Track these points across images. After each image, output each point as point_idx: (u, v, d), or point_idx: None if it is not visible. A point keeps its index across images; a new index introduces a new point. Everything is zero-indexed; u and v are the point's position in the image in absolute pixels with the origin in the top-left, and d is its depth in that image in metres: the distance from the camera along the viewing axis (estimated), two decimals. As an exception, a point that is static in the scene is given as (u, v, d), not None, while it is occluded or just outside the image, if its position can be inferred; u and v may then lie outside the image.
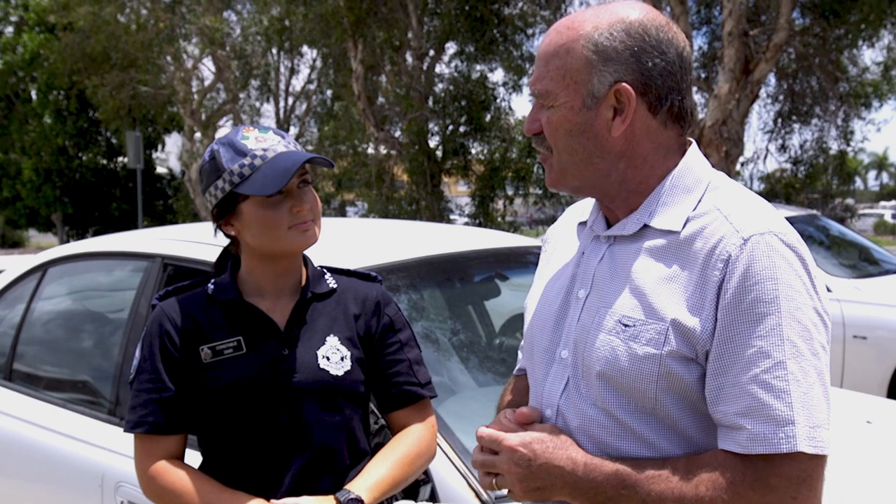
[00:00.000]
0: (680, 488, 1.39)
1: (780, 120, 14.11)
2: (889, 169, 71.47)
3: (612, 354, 1.48)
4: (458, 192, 19.88)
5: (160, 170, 29.26)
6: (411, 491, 2.20)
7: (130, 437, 2.99)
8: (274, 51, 20.73)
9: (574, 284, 1.63)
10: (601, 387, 1.50)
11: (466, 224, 15.24)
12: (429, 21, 15.09)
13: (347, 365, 2.04)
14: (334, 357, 2.04)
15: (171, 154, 28.72)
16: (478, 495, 2.31)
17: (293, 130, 22.23)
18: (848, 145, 14.51)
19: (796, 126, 14.46)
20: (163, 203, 27.44)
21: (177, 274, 3.21)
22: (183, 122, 21.28)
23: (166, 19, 17.86)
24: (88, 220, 27.38)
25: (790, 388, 1.36)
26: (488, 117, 15.02)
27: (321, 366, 2.01)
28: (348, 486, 1.96)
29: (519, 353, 1.96)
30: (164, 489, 1.98)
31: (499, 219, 15.50)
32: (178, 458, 2.04)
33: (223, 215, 2.03)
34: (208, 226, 2.17)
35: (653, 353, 1.44)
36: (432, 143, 15.04)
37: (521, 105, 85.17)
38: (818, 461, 1.37)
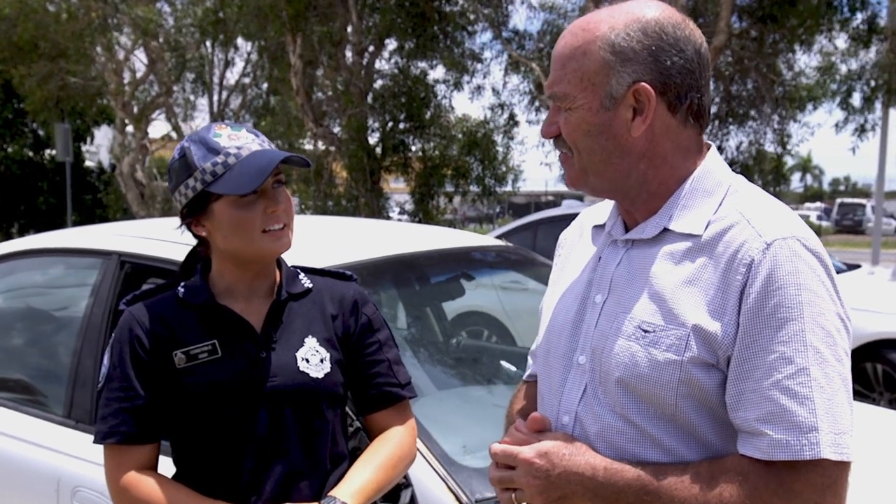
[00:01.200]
0: (703, 494, 1.38)
1: (717, 122, 14.36)
2: (813, 171, 73.34)
3: (631, 360, 1.47)
4: (393, 188, 19.78)
5: (89, 163, 28.58)
6: (392, 495, 2.16)
7: (87, 439, 2.95)
8: (208, 43, 20.36)
9: (591, 289, 1.61)
10: (620, 393, 1.49)
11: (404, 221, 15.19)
12: (369, 16, 14.99)
13: (327, 367, 1.99)
14: (314, 359, 1.98)
15: (101, 147, 28.08)
16: (457, 498, 2.29)
17: (228, 125, 21.83)
18: (784, 148, 14.82)
19: (732, 128, 14.72)
20: (92, 197, 26.79)
21: (135, 272, 3.12)
22: (114, 114, 20.80)
23: (98, 9, 17.41)
24: (14, 214, 26.62)
25: (813, 394, 1.35)
26: (428, 114, 14.96)
27: (301, 368, 1.96)
28: (333, 493, 1.91)
29: (529, 358, 1.93)
30: (138, 501, 1.91)
31: (438, 216, 15.46)
32: (152, 469, 1.97)
33: (193, 215, 1.95)
34: (167, 221, 2.10)
35: (673, 360, 1.43)
36: (372, 139, 14.94)
37: (461, 103, 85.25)
38: (842, 468, 1.37)
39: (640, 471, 1.43)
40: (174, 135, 21.52)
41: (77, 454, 2.91)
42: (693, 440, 1.46)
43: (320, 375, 1.97)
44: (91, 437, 2.85)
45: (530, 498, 1.51)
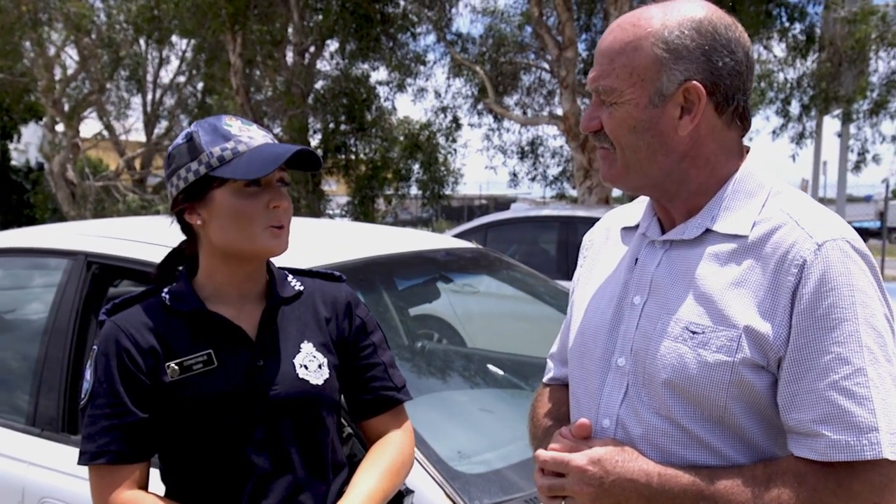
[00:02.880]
0: (760, 498, 1.37)
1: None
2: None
3: (679, 362, 1.44)
4: (329, 191, 19.67)
5: (15, 162, 27.82)
6: (395, 502, 2.10)
7: (53, 447, 2.83)
8: (142, 40, 19.99)
9: (628, 291, 1.58)
10: (666, 395, 1.46)
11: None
12: (310, 16, 14.88)
13: (326, 373, 1.92)
14: (312, 365, 1.91)
15: (30, 146, 27.38)
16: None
17: (162, 124, 21.52)
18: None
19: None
20: (18, 197, 26.09)
21: (103, 273, 3.00)
22: (43, 111, 20.30)
23: (28, 3, 16.97)
24: (-65, 214, 25.81)
25: (871, 394, 1.35)
26: (370, 116, 14.92)
27: (300, 375, 1.87)
28: (341, 503, 1.85)
29: (548, 361, 1.90)
30: None
31: (379, 219, 15.42)
32: (144, 489, 1.84)
33: (189, 201, 1.85)
34: (137, 221, 1.99)
35: (725, 361, 1.41)
36: (313, 141, 14.84)
37: (403, 105, 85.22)
38: None
39: (694, 475, 1.41)
40: (106, 133, 21.11)
41: (42, 463, 2.78)
42: (740, 442, 1.44)
43: (320, 382, 1.89)
44: (59, 446, 2.79)
45: None
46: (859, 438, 1.34)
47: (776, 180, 1.55)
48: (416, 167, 15.26)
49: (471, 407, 3.14)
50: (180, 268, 1.97)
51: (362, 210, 15.00)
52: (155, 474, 1.90)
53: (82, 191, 19.03)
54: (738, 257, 1.46)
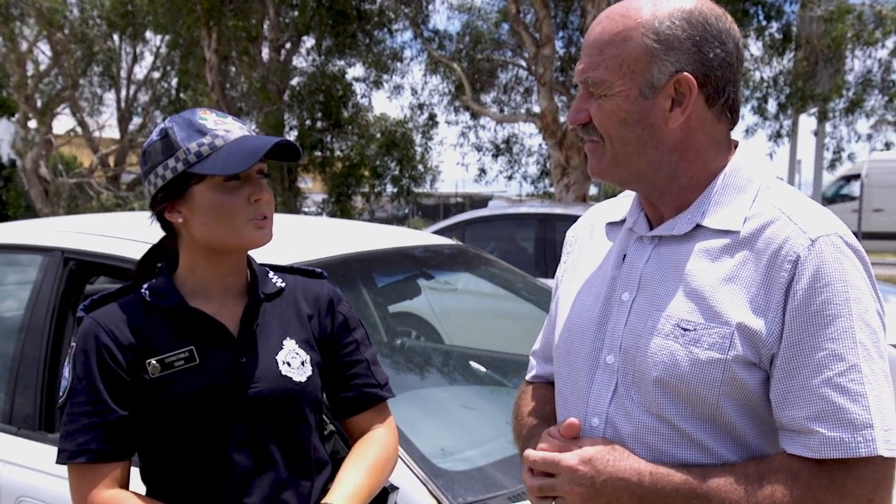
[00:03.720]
0: (753, 496, 1.35)
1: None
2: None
3: (670, 359, 1.43)
4: (305, 188, 19.59)
5: (-13, 158, 27.51)
6: (380, 499, 2.08)
7: (30, 445, 2.79)
8: (116, 36, 19.80)
9: (615, 287, 1.56)
10: (657, 393, 1.44)
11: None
12: (286, 12, 14.80)
13: (309, 370, 1.89)
14: (295, 362, 1.88)
15: (2, 142, 27.05)
16: (439, 502, 2.23)
17: (136, 120, 21.33)
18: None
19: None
20: (-11, 193, 25.80)
21: (80, 270, 2.97)
22: (16, 107, 20.06)
23: (1, -3, 16.80)
24: None
25: (866, 390, 1.34)
26: (346, 113, 14.86)
27: (283, 372, 1.85)
28: (327, 500, 1.82)
29: (531, 359, 1.88)
30: None
31: (356, 216, 15.37)
32: (124, 487, 1.82)
33: (168, 199, 1.82)
34: (115, 216, 1.96)
35: (717, 358, 1.39)
36: (289, 137, 14.75)
37: (380, 102, 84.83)
38: (892, 463, 1.36)
39: (686, 474, 1.39)
40: (79, 130, 20.90)
41: (19, 462, 2.74)
42: (731, 440, 1.43)
43: (303, 379, 1.87)
44: (36, 444, 2.75)
45: None
46: (854, 435, 1.33)
47: (765, 175, 1.54)
48: (392, 164, 15.20)
49: (452, 404, 3.13)
50: (159, 264, 1.95)
51: (339, 207, 14.94)
52: (135, 473, 1.88)
53: (56, 188, 18.85)
54: (730, 253, 1.44)
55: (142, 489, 1.87)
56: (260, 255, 1.95)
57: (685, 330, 1.43)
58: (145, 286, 1.88)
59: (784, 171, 17.96)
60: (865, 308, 1.38)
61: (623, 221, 1.64)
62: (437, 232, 8.83)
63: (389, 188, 15.87)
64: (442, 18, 67.39)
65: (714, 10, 1.48)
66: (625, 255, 1.58)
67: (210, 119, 1.83)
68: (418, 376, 3.42)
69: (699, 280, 1.45)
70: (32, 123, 19.54)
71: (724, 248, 1.45)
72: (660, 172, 1.51)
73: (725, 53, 1.47)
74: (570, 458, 1.44)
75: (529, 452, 1.51)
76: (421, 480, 2.25)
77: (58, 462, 1.79)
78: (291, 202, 14.25)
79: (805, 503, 1.34)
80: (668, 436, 1.45)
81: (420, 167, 15.67)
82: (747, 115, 14.39)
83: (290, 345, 1.90)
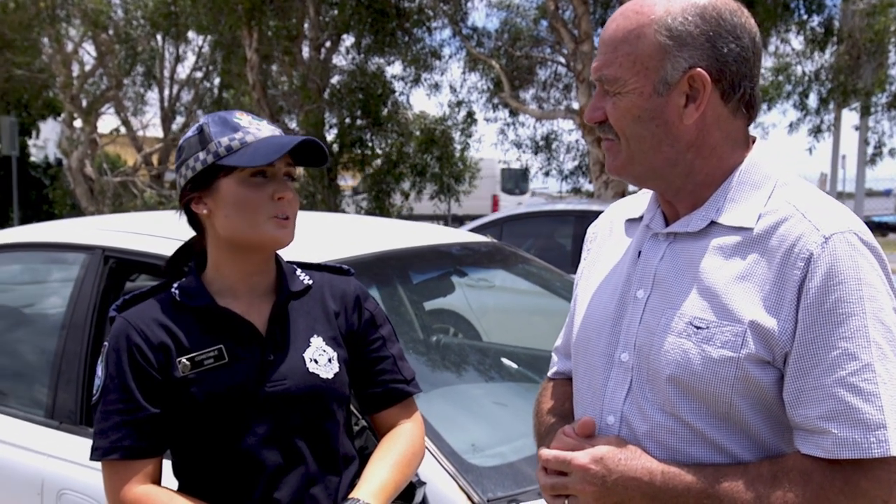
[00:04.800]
0: (766, 496, 1.35)
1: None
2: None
3: (683, 357, 1.42)
4: (344, 186, 19.67)
5: (35, 158, 27.94)
6: (407, 494, 2.11)
7: (71, 440, 2.85)
8: (159, 36, 20.04)
9: (631, 285, 1.56)
10: (671, 391, 1.44)
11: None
12: (326, 11, 14.88)
13: (336, 366, 1.93)
14: (322, 359, 1.92)
15: (48, 141, 27.48)
16: (469, 498, 2.25)
17: (180, 119, 21.57)
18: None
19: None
20: (37, 193, 26.19)
21: (120, 268, 3.03)
22: (62, 107, 20.37)
23: (47, -1, 17.07)
24: (-44, 209, 25.92)
25: (879, 390, 1.33)
26: (385, 111, 14.90)
27: (310, 370, 1.89)
28: (354, 494, 1.85)
29: (553, 355, 1.89)
30: None
31: (394, 214, 15.40)
32: (157, 483, 1.87)
33: (196, 190, 1.87)
34: (154, 215, 2.00)
35: (730, 356, 1.39)
36: (329, 135, 14.84)
37: (419, 100, 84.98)
38: None
39: (698, 474, 1.39)
40: (123, 129, 21.18)
41: (61, 455, 2.80)
42: (746, 439, 1.43)
43: (330, 376, 1.90)
44: (78, 439, 2.81)
45: None
46: (867, 436, 1.32)
47: (783, 171, 1.52)
48: (432, 162, 15.20)
49: (485, 400, 3.15)
50: (189, 264, 1.99)
51: (377, 205, 14.98)
52: (168, 468, 1.92)
53: (100, 186, 19.11)
54: (744, 250, 1.44)
55: (174, 484, 1.91)
56: (295, 252, 1.98)
57: (698, 328, 1.42)
58: (175, 286, 1.93)
59: (827, 167, 17.71)
60: (881, 306, 1.36)
61: (641, 218, 1.64)
62: (474, 229, 8.84)
63: (430, 186, 15.88)
64: (480, 15, 67.34)
65: (728, 5, 1.47)
66: (640, 252, 1.58)
67: (245, 119, 1.89)
68: (452, 373, 3.44)
69: (712, 278, 1.44)
70: (78, 123, 19.82)
71: (738, 245, 1.45)
72: (675, 169, 1.50)
73: (740, 48, 1.46)
74: (582, 456, 1.45)
75: (543, 451, 1.52)
76: (451, 475, 2.27)
77: (91, 458, 1.84)
78: (331, 200, 14.32)
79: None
80: (683, 434, 1.44)
81: (459, 165, 15.65)
82: (789, 111, 14.17)
83: (317, 342, 1.93)
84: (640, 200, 1.69)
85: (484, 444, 2.52)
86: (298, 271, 2.02)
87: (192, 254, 2.01)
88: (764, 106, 14.84)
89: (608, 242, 1.71)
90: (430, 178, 15.35)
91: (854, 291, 1.35)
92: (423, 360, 3.49)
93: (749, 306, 1.39)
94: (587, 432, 1.51)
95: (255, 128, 1.87)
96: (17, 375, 3.40)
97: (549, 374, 1.88)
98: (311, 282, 2.01)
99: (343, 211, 15.35)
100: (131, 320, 1.87)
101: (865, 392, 1.33)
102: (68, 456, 2.78)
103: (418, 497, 2.13)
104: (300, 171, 15.15)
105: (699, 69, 1.44)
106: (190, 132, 1.90)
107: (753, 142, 1.56)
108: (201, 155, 1.84)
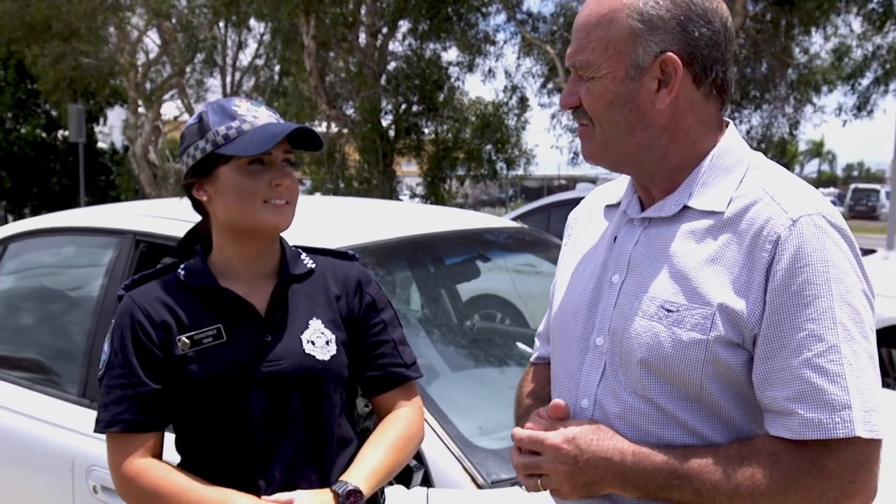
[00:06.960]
0: (734, 476, 1.36)
1: (731, 105, 14.28)
2: (827, 157, 72.55)
3: (654, 340, 1.44)
4: (403, 171, 19.75)
5: (101, 144, 28.59)
6: (403, 477, 2.14)
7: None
8: (221, 24, 20.33)
9: (607, 269, 1.57)
10: (642, 374, 1.46)
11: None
12: (382, -2, 14.96)
13: (333, 349, 1.96)
14: (319, 341, 1.95)
15: (114, 128, 28.09)
16: (473, 479, 2.27)
17: (240, 106, 21.82)
18: (791, 134, 14.72)
19: (746, 112, 14.62)
20: (104, 178, 26.83)
21: (150, 251, 3.11)
22: (126, 95, 20.81)
23: (111, -12, 17.44)
24: (27, 195, 26.64)
25: (844, 371, 1.33)
26: (441, 97, 14.93)
27: (307, 351, 1.92)
28: (344, 477, 1.88)
29: (536, 340, 1.90)
30: (145, 491, 1.86)
31: (450, 200, 15.45)
32: (157, 457, 1.92)
33: (196, 177, 1.92)
34: (184, 201, 2.06)
35: (699, 339, 1.40)
36: (385, 121, 14.92)
37: (474, 85, 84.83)
38: (874, 445, 1.35)
39: (668, 454, 1.40)
40: (186, 116, 21.54)
41: (92, 433, 2.89)
42: (717, 421, 1.43)
43: (326, 358, 1.94)
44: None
45: (557, 483, 1.48)
46: (832, 416, 1.32)
47: (755, 155, 1.53)
48: (487, 147, 15.19)
49: (503, 384, 3.16)
50: (197, 246, 2.04)
51: (432, 191, 15.04)
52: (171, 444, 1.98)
53: (163, 172, 19.52)
54: (715, 234, 1.44)
55: (176, 459, 1.98)
56: (322, 235, 2.00)
57: (668, 311, 1.43)
58: (182, 266, 1.98)
59: (887, 153, 17.25)
60: (847, 288, 1.36)
61: (619, 203, 1.65)
62: (523, 215, 8.81)
63: (484, 171, 15.87)
64: (535, 0, 66.78)
65: None
66: (616, 238, 1.59)
67: (243, 106, 1.93)
68: (476, 357, 3.46)
69: (684, 261, 1.45)
70: (141, 110, 20.23)
71: (709, 228, 1.45)
72: (649, 154, 1.51)
73: (712, 32, 1.46)
74: (555, 436, 1.47)
75: (516, 430, 1.54)
76: (456, 457, 2.30)
77: (95, 430, 1.91)
78: (386, 186, 14.42)
79: (785, 484, 1.34)
80: (654, 417, 1.46)
81: (515, 150, 15.62)
82: (848, 95, 13.81)
83: (315, 324, 1.96)
84: (618, 186, 1.70)
85: (492, 427, 2.54)
86: (302, 255, 2.06)
87: (199, 237, 2.06)
88: (824, 89, 14.51)
89: (587, 228, 1.73)
90: (486, 163, 15.33)
91: (821, 273, 1.35)
92: (450, 343, 3.53)
93: (718, 289, 1.40)
94: (559, 415, 1.52)
95: (253, 115, 1.91)
96: (53, 356, 3.51)
97: (532, 358, 1.90)
98: (313, 265, 2.05)
99: (397, 197, 15.43)
100: (136, 299, 1.93)
101: (831, 373, 1.33)
102: (98, 434, 2.86)
103: (415, 480, 2.16)
104: (356, 156, 15.21)
105: (670, 53, 1.44)
106: (191, 120, 1.95)
107: (727, 126, 1.56)
108: (200, 143, 1.89)
